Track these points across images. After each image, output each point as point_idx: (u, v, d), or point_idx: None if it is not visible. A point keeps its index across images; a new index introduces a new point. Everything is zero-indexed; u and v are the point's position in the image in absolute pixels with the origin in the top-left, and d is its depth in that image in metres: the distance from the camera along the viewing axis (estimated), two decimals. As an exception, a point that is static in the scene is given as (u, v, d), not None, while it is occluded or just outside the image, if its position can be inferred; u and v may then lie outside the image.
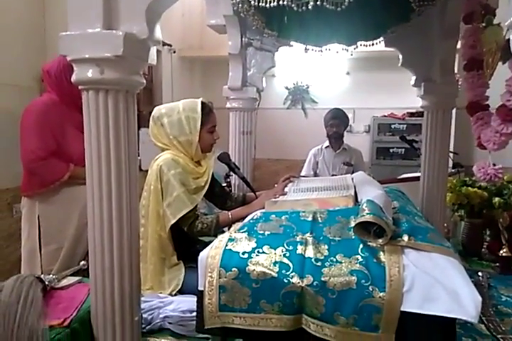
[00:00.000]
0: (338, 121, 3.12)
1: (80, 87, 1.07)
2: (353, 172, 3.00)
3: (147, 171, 1.69)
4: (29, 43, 2.97)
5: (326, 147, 3.24)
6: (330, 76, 5.81)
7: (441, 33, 1.99)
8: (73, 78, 1.06)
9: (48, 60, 2.98)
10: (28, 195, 1.96)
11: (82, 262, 1.36)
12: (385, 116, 5.57)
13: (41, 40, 3.07)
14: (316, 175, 3.21)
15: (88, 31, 1.03)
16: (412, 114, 5.31)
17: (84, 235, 1.89)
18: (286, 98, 6.01)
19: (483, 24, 1.72)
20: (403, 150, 5.29)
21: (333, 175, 2.97)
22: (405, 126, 5.44)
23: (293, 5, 1.26)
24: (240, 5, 1.61)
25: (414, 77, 2.14)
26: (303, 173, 3.24)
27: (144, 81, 1.14)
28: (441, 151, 2.10)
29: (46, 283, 1.14)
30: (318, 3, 1.24)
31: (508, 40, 1.00)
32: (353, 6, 1.35)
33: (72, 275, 1.34)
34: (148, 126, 1.73)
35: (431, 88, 2.05)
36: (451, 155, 3.10)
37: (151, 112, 1.79)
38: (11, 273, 2.59)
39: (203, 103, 1.70)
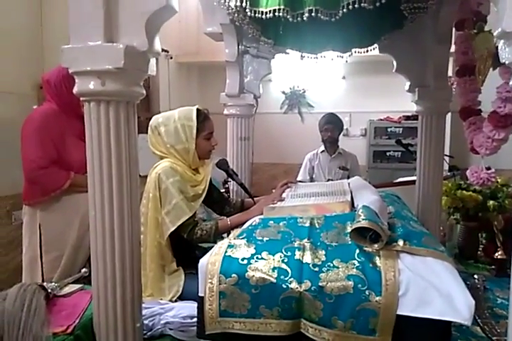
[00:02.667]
0: (332, 126, 3.15)
1: (81, 99, 1.09)
2: (348, 177, 3.06)
3: (146, 177, 1.71)
4: (27, 52, 3.00)
5: (322, 152, 3.28)
6: (326, 80, 5.86)
7: (434, 39, 2.03)
8: (75, 90, 1.09)
9: (45, 69, 3.02)
10: (29, 203, 1.98)
11: (84, 269, 1.38)
12: (381, 119, 5.61)
13: (39, 49, 3.10)
14: (312, 179, 3.24)
15: (89, 44, 1.06)
16: (408, 118, 5.36)
17: (85, 243, 1.92)
18: (283, 102, 6.04)
19: (475, 31, 1.76)
20: (400, 153, 5.32)
21: (328, 180, 3.00)
22: (401, 129, 5.48)
23: (288, 16, 1.30)
24: (236, 14, 1.65)
25: (408, 83, 2.17)
26: (299, 178, 3.27)
27: (144, 91, 1.17)
28: (436, 155, 2.13)
29: (49, 290, 1.16)
30: (313, 14, 1.28)
31: (498, 42, 1.03)
32: (347, 14, 1.39)
33: (74, 282, 1.36)
34: (145, 132, 1.77)
35: (425, 93, 2.09)
36: (446, 158, 3.14)
37: (148, 118, 1.82)
38: (10, 281, 2.62)
39: (198, 110, 1.73)
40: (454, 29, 1.96)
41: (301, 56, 2.09)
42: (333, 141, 3.20)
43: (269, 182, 5.90)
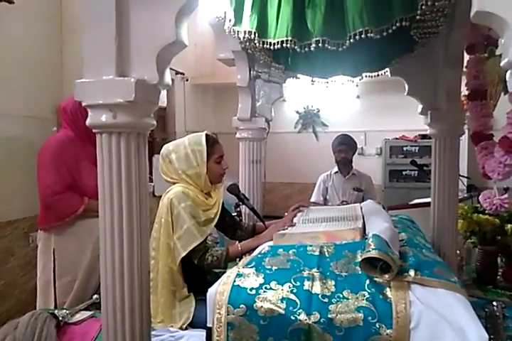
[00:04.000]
0: (345, 147, 3.14)
1: (94, 131, 1.13)
2: (363, 198, 3.03)
3: (160, 197, 1.73)
4: (48, 77, 3.11)
5: (335, 172, 3.26)
6: (340, 100, 5.90)
7: (445, 62, 2.03)
8: (88, 122, 1.12)
9: (65, 93, 3.12)
10: (44, 228, 2.02)
11: (95, 296, 1.39)
12: (396, 138, 5.60)
13: (58, 74, 3.21)
14: (325, 200, 3.22)
15: (102, 78, 1.09)
16: (424, 136, 5.31)
17: (97, 268, 1.92)
18: (297, 122, 6.10)
19: (486, 54, 1.76)
20: (416, 172, 5.27)
21: (343, 201, 2.98)
22: (417, 148, 5.45)
23: (296, 47, 1.33)
24: (247, 43, 1.69)
25: (420, 106, 2.17)
26: (313, 199, 3.25)
27: (155, 122, 1.20)
28: (450, 178, 2.10)
29: (60, 318, 1.18)
30: (320, 44, 1.30)
31: (507, 72, 1.02)
32: (358, 41, 1.41)
33: (86, 308, 1.37)
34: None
35: (437, 116, 2.08)
36: (463, 179, 3.09)
37: (163, 139, 1.86)
38: (27, 302, 2.64)
39: (207, 135, 1.76)
40: (465, 53, 1.97)
41: (312, 81, 2.11)
42: (346, 162, 3.19)
43: (283, 201, 5.91)
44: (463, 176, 3.11)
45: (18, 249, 2.82)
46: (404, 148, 5.55)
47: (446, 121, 2.06)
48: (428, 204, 2.30)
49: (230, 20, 1.51)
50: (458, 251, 2.23)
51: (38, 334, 1.07)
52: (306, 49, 1.34)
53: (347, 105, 5.93)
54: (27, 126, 2.89)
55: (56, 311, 1.21)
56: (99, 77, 1.09)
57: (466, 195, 2.85)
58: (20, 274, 2.82)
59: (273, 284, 1.11)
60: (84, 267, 1.97)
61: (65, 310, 1.24)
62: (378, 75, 2.10)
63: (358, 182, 3.21)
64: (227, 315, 1.07)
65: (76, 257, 1.97)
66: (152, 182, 4.66)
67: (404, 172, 5.47)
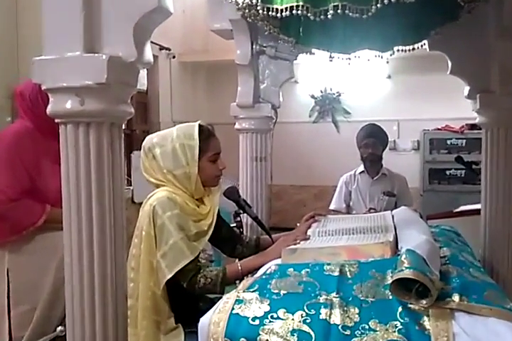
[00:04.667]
0: (373, 140, 3.13)
1: (56, 120, 1.14)
2: (396, 204, 3.03)
3: (141, 204, 1.74)
4: (1, 61, 3.12)
5: (361, 173, 3.25)
6: (367, 81, 5.90)
7: (498, 33, 2.03)
8: (49, 110, 1.13)
9: (20, 75, 3.13)
10: (-5, 244, 2.03)
11: (60, 328, 1.40)
12: (438, 129, 5.59)
13: (13, 52, 3.22)
14: (348, 208, 3.21)
15: (66, 55, 1.10)
16: (473, 126, 5.28)
17: (63, 294, 1.94)
18: (313, 109, 6.11)
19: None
20: (463, 172, 5.26)
21: (370, 209, 2.97)
22: (465, 141, 5.44)
23: (309, 14, 1.33)
24: (247, 10, 1.70)
25: (467, 88, 2.17)
26: (332, 206, 3.25)
27: (133, 110, 1.21)
28: (506, 177, 2.10)
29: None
30: (339, 11, 1.30)
31: None
32: (384, 7, 1.41)
33: (48, 344, 1.38)
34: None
35: (489, 101, 2.08)
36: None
37: (145, 131, 1.86)
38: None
39: (200, 127, 1.76)
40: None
41: (330, 57, 2.12)
42: (375, 159, 3.18)
43: (295, 209, 5.92)
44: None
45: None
46: (448, 142, 5.54)
47: (500, 106, 2.06)
48: (478, 211, 2.31)
49: (225, -19, 1.51)
50: (516, 271, 2.23)
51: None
52: (322, 17, 1.34)
53: (375, 88, 5.93)
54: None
55: (10, 347, 1.22)
56: (63, 53, 1.11)
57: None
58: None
59: (281, 312, 1.11)
60: (47, 292, 1.98)
61: (21, 346, 1.25)
62: (414, 49, 2.09)
63: (390, 184, 3.20)
64: (224, 351, 1.08)
65: (36, 280, 1.98)
66: (131, 185, 4.69)
67: (448, 172, 5.47)
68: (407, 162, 5.53)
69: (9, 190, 1.95)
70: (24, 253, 2.01)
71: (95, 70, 1.07)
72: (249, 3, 1.42)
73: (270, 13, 1.40)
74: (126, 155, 5.00)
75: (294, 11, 1.34)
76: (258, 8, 1.42)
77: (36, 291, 1.99)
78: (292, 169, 6.04)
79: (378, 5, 1.31)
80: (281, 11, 1.37)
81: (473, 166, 3.17)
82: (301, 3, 1.34)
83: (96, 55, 1.09)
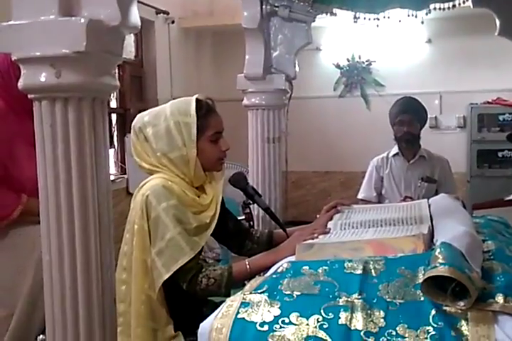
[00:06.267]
0: (410, 117, 3.10)
1: (29, 96, 1.15)
2: (436, 192, 3.01)
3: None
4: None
5: (395, 155, 3.23)
6: (402, 46, 5.84)
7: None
8: (20, 84, 1.14)
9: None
10: (-36, 240, 2.08)
11: (41, 337, 1.43)
12: (488, 102, 5.53)
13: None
14: (380, 196, 3.21)
15: (39, 20, 1.11)
16: (531, 99, 5.23)
17: (43, 297, 1.97)
18: (338, 81, 6.07)
19: None
20: (518, 153, 5.22)
21: (406, 198, 2.96)
22: (521, 117, 5.39)
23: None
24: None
25: (519, 52, 2.15)
26: (361, 195, 3.24)
27: (118, 83, 1.22)
28: None
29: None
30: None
31: None
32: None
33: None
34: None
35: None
36: None
37: (141, 111, 1.86)
38: None
39: (198, 101, 1.75)
40: None
41: (355, 18, 2.10)
42: (411, 138, 3.16)
43: (319, 199, 5.91)
44: None
45: None
46: (501, 118, 5.49)
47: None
48: (532, 200, 2.30)
49: None
50: None
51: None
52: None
53: (413, 55, 5.86)
54: None
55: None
56: (36, 17, 1.12)
57: None
58: None
59: (294, 317, 1.12)
60: (25, 296, 2.02)
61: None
62: (454, 6, 2.07)
63: (429, 168, 3.19)
64: (228, 361, 1.10)
65: (12, 281, 2.02)
66: (125, 173, 4.73)
67: (500, 154, 5.42)
68: (451, 142, 5.50)
69: (-21, 179, 1.99)
70: (-1, 251, 2.05)
71: (73, 36, 1.08)
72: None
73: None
74: (119, 139, 5.05)
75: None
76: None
77: (13, 295, 2.03)
78: (314, 153, 6.02)
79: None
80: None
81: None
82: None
83: (73, 18, 1.10)
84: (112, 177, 4.60)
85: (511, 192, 3.27)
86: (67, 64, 1.10)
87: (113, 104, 4.88)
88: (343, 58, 6.03)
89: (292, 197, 5.89)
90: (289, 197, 5.58)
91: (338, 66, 6.06)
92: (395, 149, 3.26)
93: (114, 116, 4.95)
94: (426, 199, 1.92)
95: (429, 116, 3.40)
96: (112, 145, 4.83)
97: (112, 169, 4.92)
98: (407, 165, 3.22)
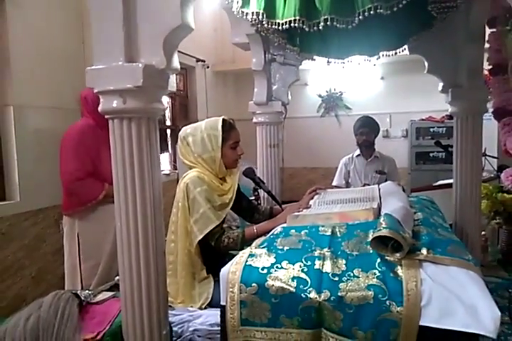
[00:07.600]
0: (367, 130, 3.09)
1: (106, 116, 1.16)
2: (386, 181, 2.99)
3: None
4: (70, 67, 3.16)
5: (357, 156, 3.22)
6: (364, 82, 5.78)
7: (466, 38, 1.96)
8: (100, 108, 1.15)
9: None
10: (68, 213, 2.10)
11: (117, 277, 1.44)
12: (423, 119, 5.46)
13: (81, 64, 3.26)
14: (348, 184, 3.19)
15: (112, 65, 1.12)
16: (451, 117, 5.13)
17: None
18: (320, 106, 6.02)
19: (508, 27, 1.70)
20: (444, 154, 5.13)
21: (365, 184, 2.94)
22: (445, 129, 5.30)
23: (304, 26, 1.31)
24: (259, 25, 1.68)
25: (441, 84, 2.11)
26: (334, 183, 3.23)
27: (165, 107, 1.22)
28: (473, 157, 2.05)
29: (82, 298, 1.23)
30: (329, 23, 1.28)
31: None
32: (369, 19, 1.38)
33: (108, 290, 1.43)
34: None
35: (459, 94, 2.02)
36: (492, 159, 3.00)
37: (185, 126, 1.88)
38: (58, 286, 2.76)
39: (223, 120, 1.77)
40: (486, 26, 1.89)
41: (328, 61, 2.09)
42: (368, 144, 3.14)
43: (307, 186, 5.78)
44: (491, 156, 3.02)
45: (49, 235, 2.93)
46: (431, 130, 5.42)
47: (468, 98, 2.00)
48: (451, 185, 2.26)
49: (237, 2, 1.50)
50: (483, 232, 2.19)
51: (61, 313, 1.12)
52: (315, 28, 1.32)
53: (371, 87, 5.80)
54: (52, 117, 2.97)
55: (79, 291, 1.27)
56: (109, 63, 1.12)
57: (492, 175, 2.78)
58: (51, 260, 2.94)
59: (284, 264, 1.13)
60: (108, 251, 2.05)
61: (87, 291, 1.30)
62: (396, 54, 2.04)
63: (381, 164, 3.16)
64: (240, 293, 1.10)
65: (99, 241, 2.05)
66: (176, 169, 4.73)
67: (431, 154, 5.35)
68: (397, 147, 5.44)
69: (77, 172, 2.02)
70: (90, 221, 2.08)
71: (134, 76, 1.08)
72: (257, 19, 1.41)
73: (274, 26, 1.39)
74: (172, 146, 5.05)
75: (293, 24, 1.32)
76: (264, 22, 1.40)
77: (99, 250, 2.06)
78: (305, 154, 6.00)
79: (360, 17, 1.28)
80: (283, 24, 1.36)
81: (449, 148, 3.09)
82: (297, 18, 1.32)
83: (134, 64, 1.10)
84: (167, 172, 4.63)
85: (437, 180, 3.24)
86: (130, 94, 1.10)
87: (168, 123, 4.88)
88: (323, 90, 5.98)
89: (289, 185, 5.87)
90: (285, 185, 5.56)
91: (319, 96, 6.01)
92: (358, 151, 3.25)
93: (168, 131, 4.95)
94: (377, 185, 1.91)
95: (381, 129, 3.38)
96: (167, 150, 4.85)
97: (168, 166, 4.93)
98: (365, 163, 3.20)
